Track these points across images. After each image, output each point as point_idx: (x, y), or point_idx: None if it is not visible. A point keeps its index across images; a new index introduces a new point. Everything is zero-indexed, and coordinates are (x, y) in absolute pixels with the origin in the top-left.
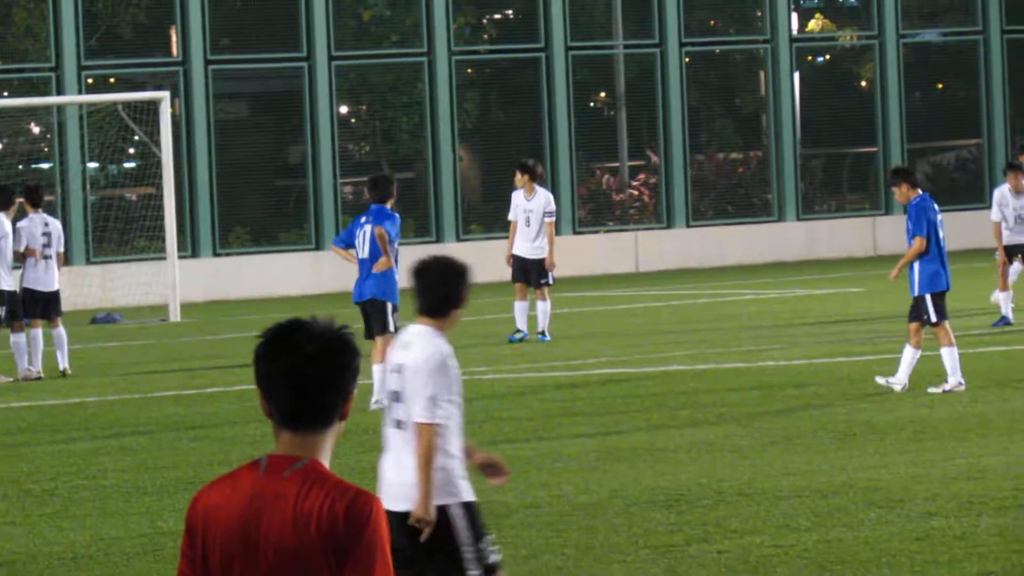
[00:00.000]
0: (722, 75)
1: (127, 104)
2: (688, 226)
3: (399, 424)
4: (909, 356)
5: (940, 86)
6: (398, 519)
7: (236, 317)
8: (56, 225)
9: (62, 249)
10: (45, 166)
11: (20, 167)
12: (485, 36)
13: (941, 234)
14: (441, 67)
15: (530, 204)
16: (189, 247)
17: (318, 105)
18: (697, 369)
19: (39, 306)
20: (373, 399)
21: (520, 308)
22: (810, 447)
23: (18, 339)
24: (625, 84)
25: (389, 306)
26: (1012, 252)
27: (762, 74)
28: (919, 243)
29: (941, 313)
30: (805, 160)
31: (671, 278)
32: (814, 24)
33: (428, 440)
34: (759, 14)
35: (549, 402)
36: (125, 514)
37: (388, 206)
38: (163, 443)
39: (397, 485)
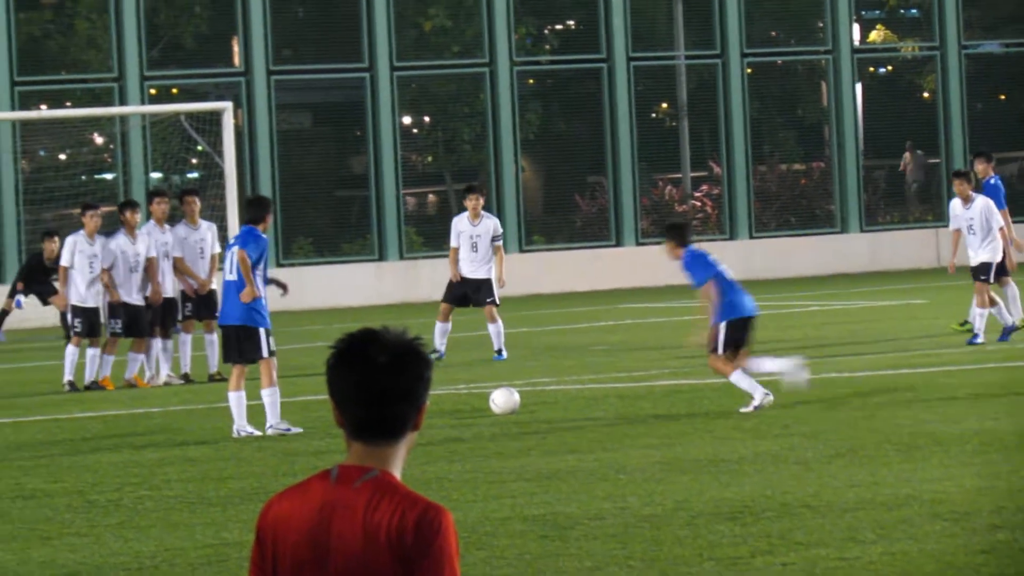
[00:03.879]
0: (784, 86)
1: (190, 114)
2: (751, 237)
3: None
4: (740, 376)
5: (1002, 97)
6: None
7: (300, 328)
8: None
9: (217, 250)
10: (108, 176)
11: (83, 177)
12: (547, 47)
13: (723, 270)
14: (503, 77)
15: (477, 229)
16: None
17: (380, 115)
18: (761, 381)
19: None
20: (235, 426)
21: (441, 329)
22: (875, 459)
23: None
24: (687, 95)
25: (262, 331)
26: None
27: (824, 85)
28: (707, 290)
29: (731, 343)
30: (868, 171)
31: None
32: (876, 35)
33: None
34: (821, 25)
35: (613, 413)
36: (190, 525)
37: (260, 228)
38: (227, 454)
39: None
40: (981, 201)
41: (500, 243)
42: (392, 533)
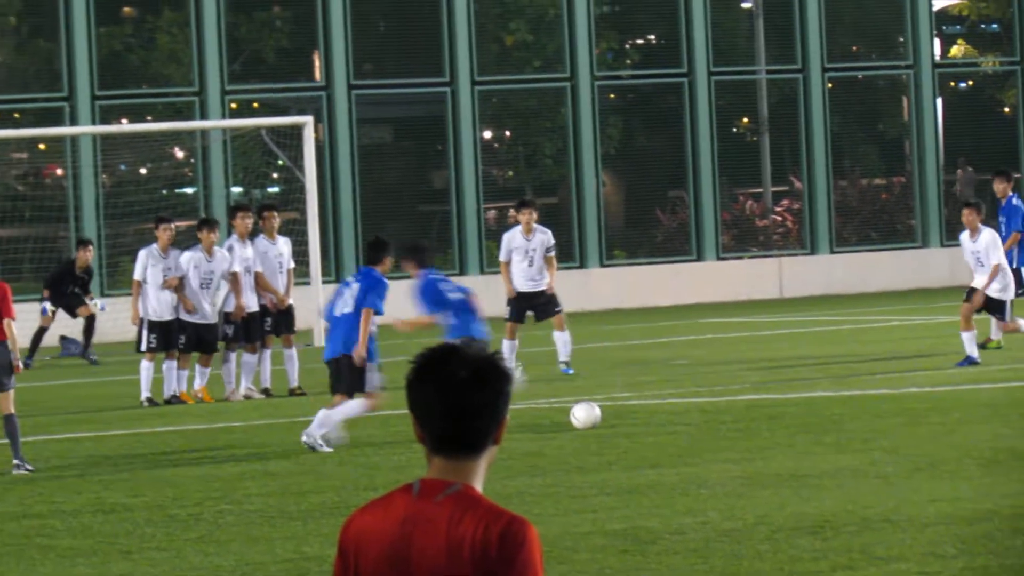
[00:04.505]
0: (865, 101)
1: (270, 129)
2: (832, 252)
3: None
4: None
5: None
6: None
7: (382, 342)
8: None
9: (292, 265)
10: (189, 191)
11: (164, 192)
12: (628, 61)
13: (457, 300)
14: (584, 92)
15: (531, 243)
16: (333, 272)
17: (461, 130)
18: (842, 395)
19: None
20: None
21: (509, 346)
22: (955, 474)
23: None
24: (768, 109)
25: (369, 366)
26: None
27: (905, 100)
28: (430, 320)
29: None
30: (948, 186)
31: (815, 304)
32: (956, 50)
33: None
34: (901, 40)
35: (693, 428)
36: (270, 539)
37: (380, 270)
38: (307, 468)
39: None
40: (988, 234)
41: (553, 254)
42: (476, 547)
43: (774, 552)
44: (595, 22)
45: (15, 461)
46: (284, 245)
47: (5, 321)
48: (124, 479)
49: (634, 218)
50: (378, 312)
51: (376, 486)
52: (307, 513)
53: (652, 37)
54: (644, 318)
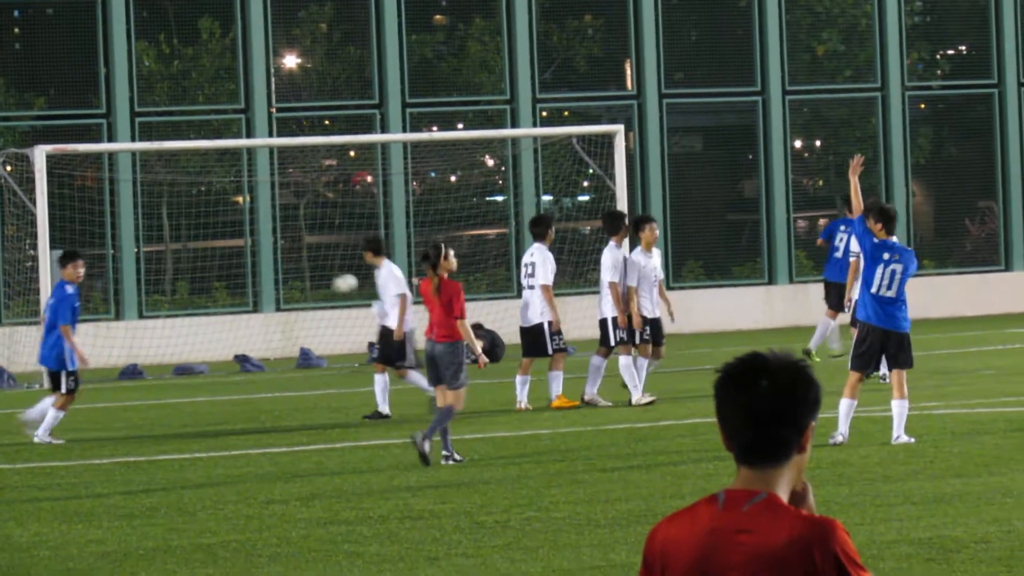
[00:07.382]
0: None
1: (581, 137)
2: None
3: None
4: None
5: None
6: None
7: (689, 351)
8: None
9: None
10: (499, 199)
11: (474, 199)
12: (938, 72)
13: None
14: (894, 102)
15: (653, 261)
16: None
17: (772, 139)
18: None
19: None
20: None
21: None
22: None
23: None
24: None
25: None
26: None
27: None
28: None
29: None
30: None
31: None
32: None
33: None
34: None
35: (1001, 438)
36: (577, 546)
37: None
38: (615, 476)
39: None
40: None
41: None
42: (783, 554)
43: None
44: (906, 32)
45: (420, 436)
46: (658, 257)
47: (458, 322)
48: (431, 486)
49: (943, 228)
50: None
51: (683, 495)
52: (614, 520)
53: (963, 47)
54: (951, 328)
